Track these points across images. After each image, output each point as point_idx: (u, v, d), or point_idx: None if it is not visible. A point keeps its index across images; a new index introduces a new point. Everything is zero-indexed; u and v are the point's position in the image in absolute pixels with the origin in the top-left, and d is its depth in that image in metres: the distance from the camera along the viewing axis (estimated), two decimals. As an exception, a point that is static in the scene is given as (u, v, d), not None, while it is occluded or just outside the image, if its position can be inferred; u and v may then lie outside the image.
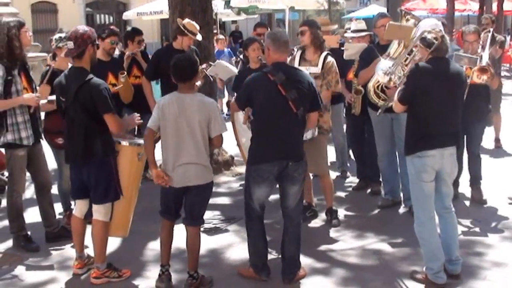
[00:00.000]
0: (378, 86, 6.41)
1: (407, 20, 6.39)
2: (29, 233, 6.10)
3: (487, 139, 9.30)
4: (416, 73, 4.94)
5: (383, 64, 5.51)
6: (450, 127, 5.01)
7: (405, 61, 5.56)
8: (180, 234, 5.31)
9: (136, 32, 8.03)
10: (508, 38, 23.61)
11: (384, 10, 28.92)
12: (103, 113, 5.02)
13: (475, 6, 28.33)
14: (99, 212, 5.21)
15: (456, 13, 24.32)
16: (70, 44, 5.11)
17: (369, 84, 6.55)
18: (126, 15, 23.75)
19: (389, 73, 5.26)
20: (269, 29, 10.16)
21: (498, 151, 9.82)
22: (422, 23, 5.23)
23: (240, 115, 5.60)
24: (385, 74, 5.26)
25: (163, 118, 4.97)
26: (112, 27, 7.73)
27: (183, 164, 4.94)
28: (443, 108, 4.93)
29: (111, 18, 31.51)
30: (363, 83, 6.75)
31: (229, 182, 8.52)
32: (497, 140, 10.16)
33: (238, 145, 6.37)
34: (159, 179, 4.97)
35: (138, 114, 5.56)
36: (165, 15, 20.09)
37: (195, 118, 4.91)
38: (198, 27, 7.33)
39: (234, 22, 30.01)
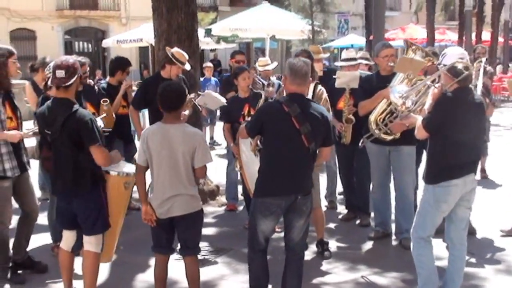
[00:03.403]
0: (381, 119, 6.39)
1: (413, 51, 6.36)
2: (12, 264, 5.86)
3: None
4: (446, 102, 4.88)
5: (400, 87, 5.45)
6: (474, 155, 5.06)
7: (424, 87, 5.51)
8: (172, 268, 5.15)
9: (128, 62, 8.06)
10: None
11: (363, 40, 29.29)
12: (89, 145, 4.88)
13: (453, 36, 28.83)
14: (90, 243, 5.05)
15: (435, 43, 24.65)
16: (60, 73, 4.93)
17: (371, 116, 6.49)
18: (105, 43, 23.62)
19: (405, 96, 5.21)
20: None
21: (485, 182, 9.75)
22: (449, 51, 5.22)
23: (245, 142, 5.42)
24: (400, 97, 5.21)
25: (148, 149, 4.82)
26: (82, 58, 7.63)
27: (168, 197, 4.80)
28: (469, 137, 4.93)
29: (90, 46, 31.44)
30: (364, 113, 6.61)
31: (216, 212, 8.34)
32: (483, 170, 10.12)
33: (242, 174, 6.07)
34: (147, 216, 4.85)
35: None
36: (145, 43, 20.10)
37: (179, 149, 4.77)
38: (187, 56, 7.23)
39: (212, 50, 30.05)
